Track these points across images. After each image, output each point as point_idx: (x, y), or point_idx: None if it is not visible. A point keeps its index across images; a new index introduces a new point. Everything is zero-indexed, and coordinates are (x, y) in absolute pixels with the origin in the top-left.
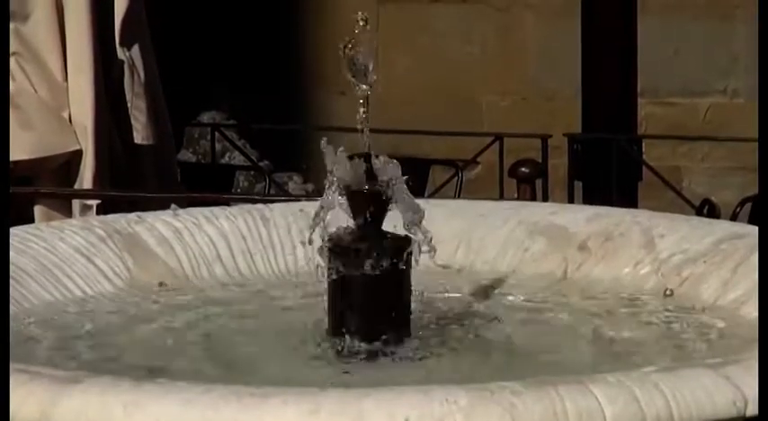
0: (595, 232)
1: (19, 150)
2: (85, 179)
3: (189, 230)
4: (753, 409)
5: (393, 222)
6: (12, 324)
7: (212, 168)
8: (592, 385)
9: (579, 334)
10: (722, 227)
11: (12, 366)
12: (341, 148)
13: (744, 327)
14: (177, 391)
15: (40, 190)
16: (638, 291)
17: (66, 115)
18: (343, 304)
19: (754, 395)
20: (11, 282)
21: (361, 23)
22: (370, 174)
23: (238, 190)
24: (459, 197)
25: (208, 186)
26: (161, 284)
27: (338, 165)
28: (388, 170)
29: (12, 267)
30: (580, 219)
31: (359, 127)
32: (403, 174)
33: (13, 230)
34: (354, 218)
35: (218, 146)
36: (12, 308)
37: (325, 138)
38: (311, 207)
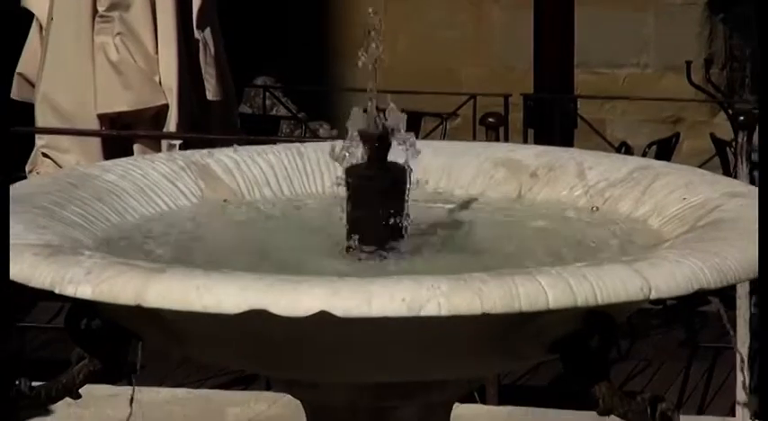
0: (542, 164)
1: (122, 104)
2: (171, 125)
3: (245, 162)
4: (654, 294)
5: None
6: (121, 231)
7: (263, 118)
8: (538, 275)
9: (530, 236)
10: (634, 161)
11: (113, 260)
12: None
13: (650, 234)
14: (236, 279)
15: (138, 133)
16: (573, 207)
17: (156, 79)
18: (357, 214)
19: (657, 283)
20: (116, 200)
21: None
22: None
23: (282, 134)
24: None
25: (260, 132)
26: (225, 201)
27: (356, 117)
28: (393, 117)
29: (116, 188)
30: (531, 154)
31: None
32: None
33: (118, 161)
34: (367, 152)
35: (267, 102)
36: (117, 219)
37: (355, 108)
38: (338, 145)
